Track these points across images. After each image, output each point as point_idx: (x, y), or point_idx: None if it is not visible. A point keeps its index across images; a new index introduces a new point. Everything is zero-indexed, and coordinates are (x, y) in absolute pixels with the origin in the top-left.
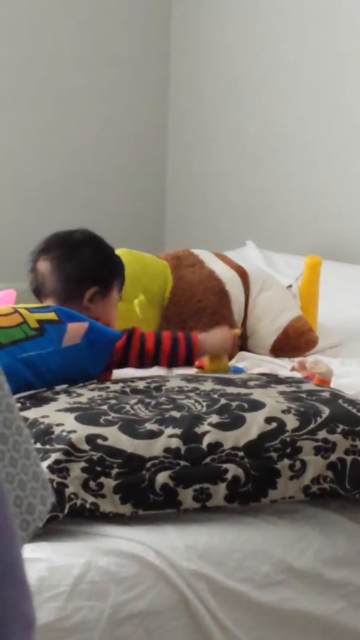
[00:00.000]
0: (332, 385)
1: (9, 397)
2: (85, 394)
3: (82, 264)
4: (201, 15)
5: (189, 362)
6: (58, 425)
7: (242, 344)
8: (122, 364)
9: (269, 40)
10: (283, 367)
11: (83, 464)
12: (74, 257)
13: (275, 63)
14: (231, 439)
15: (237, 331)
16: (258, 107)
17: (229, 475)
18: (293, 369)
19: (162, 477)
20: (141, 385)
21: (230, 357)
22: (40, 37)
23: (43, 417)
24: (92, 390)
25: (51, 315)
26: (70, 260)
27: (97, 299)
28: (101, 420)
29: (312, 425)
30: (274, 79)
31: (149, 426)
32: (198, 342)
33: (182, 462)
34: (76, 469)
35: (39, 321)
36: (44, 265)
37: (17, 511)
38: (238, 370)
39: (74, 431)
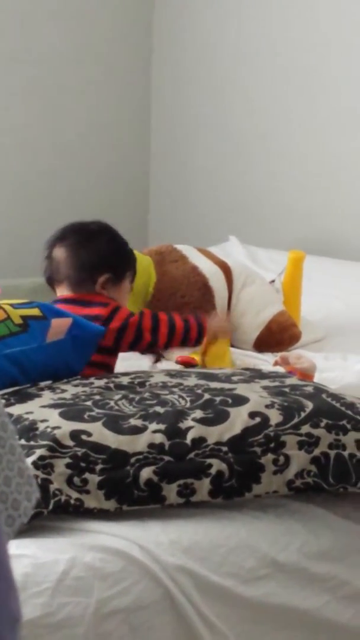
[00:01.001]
0: (316, 379)
1: None
2: (70, 389)
3: (96, 251)
4: (185, 10)
5: (199, 341)
6: (42, 421)
7: None
8: (138, 345)
9: (253, 33)
10: (266, 361)
11: (67, 460)
12: (89, 245)
13: (259, 57)
14: (215, 434)
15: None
16: (241, 103)
17: (213, 470)
18: (276, 363)
19: (146, 473)
20: (125, 380)
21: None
22: (26, 35)
23: (27, 413)
24: (76, 386)
25: (35, 311)
26: (85, 247)
27: (109, 286)
28: (85, 416)
29: (295, 420)
30: (258, 73)
31: (133, 422)
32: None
33: (166, 458)
34: (60, 465)
35: (22, 317)
36: (59, 252)
37: (2, 507)
38: None
39: (59, 427)
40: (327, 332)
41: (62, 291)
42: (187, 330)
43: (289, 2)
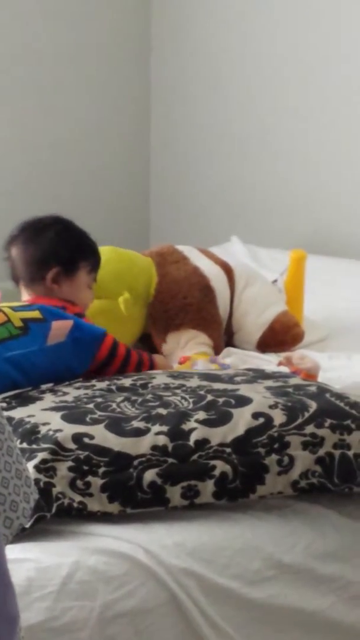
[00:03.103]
0: (320, 379)
1: None
2: (71, 392)
3: (45, 245)
4: (183, 7)
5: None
6: (44, 424)
7: (228, 339)
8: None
9: (254, 31)
10: (270, 362)
11: (70, 463)
12: (37, 240)
13: (260, 55)
14: (218, 435)
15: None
16: (242, 102)
17: (216, 472)
18: (280, 364)
19: (149, 475)
20: (127, 382)
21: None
22: (24, 33)
23: (29, 416)
24: (78, 388)
25: (35, 314)
26: (33, 243)
27: (61, 279)
28: (87, 419)
29: (299, 420)
30: (259, 73)
31: (135, 424)
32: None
33: (170, 460)
34: (63, 468)
35: (23, 320)
36: (14, 251)
37: (1, 509)
38: (223, 367)
39: (60, 430)
40: (330, 331)
41: (23, 291)
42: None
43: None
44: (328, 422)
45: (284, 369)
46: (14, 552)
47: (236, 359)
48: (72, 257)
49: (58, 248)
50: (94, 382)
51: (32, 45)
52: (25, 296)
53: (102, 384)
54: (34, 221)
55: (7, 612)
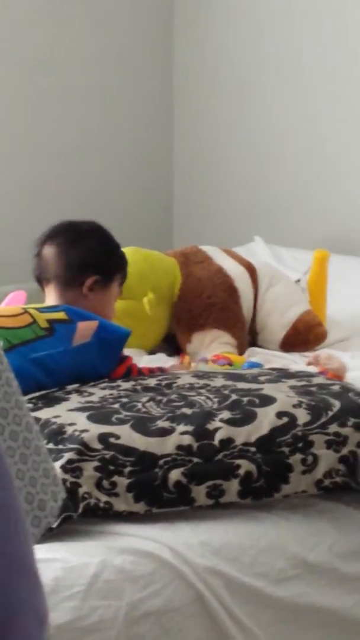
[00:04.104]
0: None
1: (18, 394)
2: (97, 392)
3: (86, 252)
4: (205, 10)
5: None
6: (70, 424)
7: (252, 339)
8: None
9: (274, 35)
10: (293, 361)
11: (96, 463)
12: (78, 245)
13: (280, 57)
14: (243, 435)
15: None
16: (264, 103)
17: (241, 471)
18: (309, 363)
19: (175, 475)
20: (152, 382)
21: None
22: (46, 37)
23: (55, 417)
24: (104, 389)
25: (61, 315)
26: (74, 247)
27: (96, 288)
28: (113, 419)
29: (323, 419)
30: (280, 73)
31: (160, 424)
32: None
33: (195, 459)
34: (89, 468)
35: (48, 321)
36: (48, 251)
37: (29, 508)
38: (255, 366)
39: (86, 430)
40: (353, 331)
41: (50, 291)
42: None
43: (310, 1)
44: (351, 421)
45: (313, 369)
46: (41, 552)
47: (260, 359)
48: (110, 268)
49: (100, 257)
50: (119, 382)
51: (56, 53)
52: (51, 298)
53: (128, 384)
54: (74, 225)
55: (37, 609)
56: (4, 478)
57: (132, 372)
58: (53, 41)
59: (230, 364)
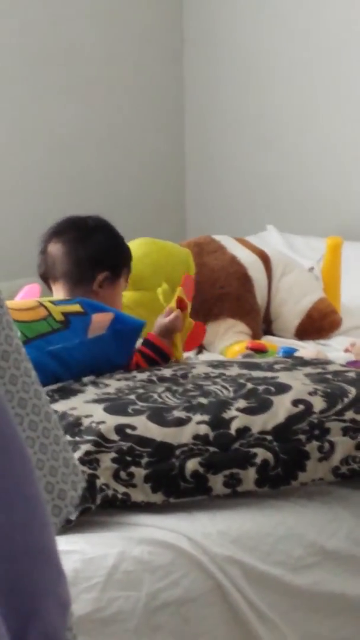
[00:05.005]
0: None
1: (36, 384)
2: (113, 384)
3: (95, 248)
4: (215, 5)
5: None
6: (87, 416)
7: (267, 328)
8: None
9: (285, 24)
10: (307, 349)
11: (113, 454)
12: (87, 241)
13: (292, 48)
14: (259, 423)
15: (179, 290)
16: (276, 92)
17: (258, 460)
18: (347, 350)
19: (192, 464)
20: (168, 372)
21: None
22: (58, 32)
23: (72, 409)
24: (119, 380)
25: (76, 307)
26: (83, 243)
27: (106, 284)
28: (129, 410)
29: (339, 406)
30: (291, 63)
31: (177, 414)
32: (159, 340)
33: (211, 449)
34: (106, 460)
35: (64, 314)
36: (55, 248)
37: (49, 497)
38: (290, 352)
39: (103, 422)
40: None
41: (58, 289)
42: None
43: None
44: None
45: (350, 356)
46: (60, 544)
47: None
48: (118, 262)
49: (109, 252)
50: (134, 373)
51: (68, 47)
52: (60, 296)
53: (143, 375)
54: (80, 221)
55: (60, 596)
56: (25, 467)
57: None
58: (63, 36)
59: (265, 351)
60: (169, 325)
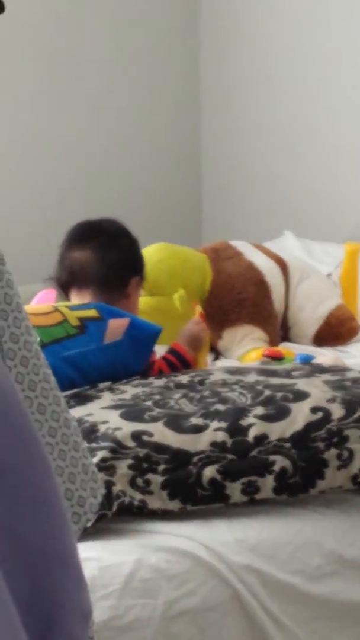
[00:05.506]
0: None
1: (55, 390)
2: (129, 390)
3: (123, 253)
4: (232, 7)
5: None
6: (103, 422)
7: (284, 334)
8: None
9: (303, 26)
10: (326, 356)
11: (130, 461)
12: (115, 245)
13: (311, 50)
14: (277, 430)
15: (198, 308)
16: (293, 97)
17: (276, 467)
18: None
19: (209, 472)
20: (185, 379)
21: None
22: (70, 38)
23: (88, 415)
24: (136, 386)
25: (92, 313)
26: (112, 248)
27: (136, 288)
28: (146, 417)
29: (358, 414)
30: (310, 67)
31: (194, 420)
32: (184, 349)
33: (229, 456)
34: (123, 466)
35: (80, 319)
36: (81, 255)
37: (68, 504)
38: (308, 359)
39: (119, 428)
40: None
41: (85, 296)
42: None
43: None
44: None
45: None
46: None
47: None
48: (141, 266)
49: (135, 256)
50: (151, 379)
51: (82, 51)
52: (86, 301)
53: (160, 382)
54: (99, 226)
55: (81, 605)
56: (46, 472)
57: (153, 369)
58: (73, 38)
59: (282, 358)
60: (197, 334)
